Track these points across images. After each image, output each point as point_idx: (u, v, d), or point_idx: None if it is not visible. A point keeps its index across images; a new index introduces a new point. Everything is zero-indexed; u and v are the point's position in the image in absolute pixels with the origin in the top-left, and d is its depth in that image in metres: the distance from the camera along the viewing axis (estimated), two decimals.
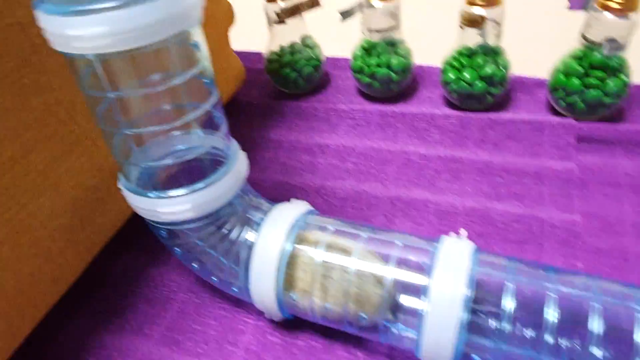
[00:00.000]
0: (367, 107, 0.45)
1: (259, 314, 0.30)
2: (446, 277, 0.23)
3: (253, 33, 0.55)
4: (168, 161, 0.24)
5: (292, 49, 0.46)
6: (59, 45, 0.19)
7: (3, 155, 0.24)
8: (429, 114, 0.43)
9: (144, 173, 0.25)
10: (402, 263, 0.24)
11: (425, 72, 0.49)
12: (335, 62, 0.53)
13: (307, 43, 0.47)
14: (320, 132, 0.43)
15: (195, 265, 0.28)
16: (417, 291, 0.23)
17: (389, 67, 0.44)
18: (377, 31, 0.42)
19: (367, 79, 0.45)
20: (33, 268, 0.26)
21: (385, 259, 0.25)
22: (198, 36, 0.22)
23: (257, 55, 0.56)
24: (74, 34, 0.18)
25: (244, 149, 0.28)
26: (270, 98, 0.49)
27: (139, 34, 0.19)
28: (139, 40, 0.19)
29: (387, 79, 0.44)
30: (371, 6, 0.41)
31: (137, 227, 0.36)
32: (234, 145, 0.27)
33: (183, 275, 0.33)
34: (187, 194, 0.24)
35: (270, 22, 0.46)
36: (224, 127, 0.26)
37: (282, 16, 0.43)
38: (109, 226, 0.32)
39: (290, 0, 0.43)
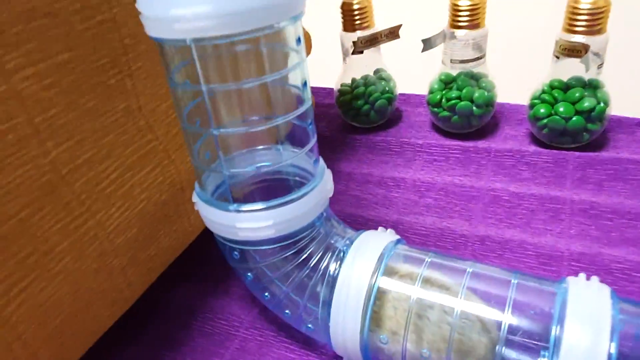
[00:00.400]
0: (445, 142, 0.42)
1: (336, 358, 0.26)
2: (583, 327, 0.18)
3: (324, 69, 0.54)
4: (252, 168, 0.22)
5: (366, 80, 0.45)
6: (157, 31, 0.18)
7: (80, 158, 0.22)
8: (516, 150, 0.39)
9: (224, 184, 0.23)
10: (517, 307, 0.20)
11: (506, 108, 0.46)
12: (408, 98, 0.51)
13: (381, 76, 0.45)
14: (395, 166, 0.40)
15: (267, 295, 0.25)
16: (539, 343, 0.19)
17: (471, 100, 0.41)
18: (460, 62, 0.40)
19: (445, 113, 0.42)
20: (93, 284, 0.24)
21: (494, 300, 0.21)
22: (300, 32, 0.20)
23: (328, 90, 0.55)
24: (175, 14, 0.16)
25: None
26: (339, 131, 0.47)
27: (241, 18, 0.17)
28: (240, 25, 0.17)
29: (468, 112, 0.41)
30: (454, 37, 0.39)
31: (198, 253, 0.34)
32: (321, 163, 0.25)
33: (246, 309, 0.30)
34: (269, 208, 0.21)
35: (345, 53, 0.44)
36: (314, 144, 0.24)
37: (360, 45, 0.42)
38: (172, 248, 0.30)
39: (368, 30, 0.42)
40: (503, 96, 0.44)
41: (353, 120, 0.46)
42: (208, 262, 0.33)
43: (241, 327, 0.29)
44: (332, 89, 0.55)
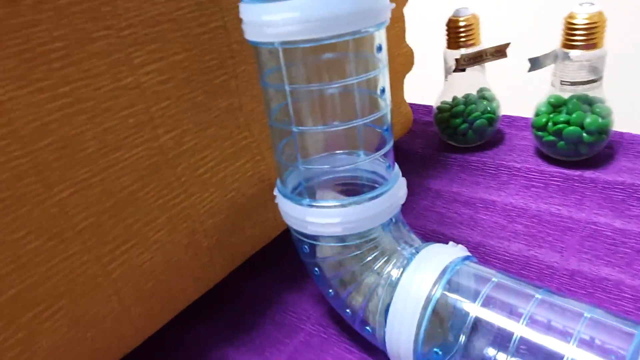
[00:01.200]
0: (546, 169, 0.39)
1: None
2: None
3: (426, 86, 0.54)
4: (326, 166, 0.23)
5: (467, 99, 0.44)
6: (251, 34, 0.20)
7: (185, 145, 0.26)
8: (629, 184, 0.35)
9: (301, 184, 0.24)
10: (587, 344, 0.18)
11: (625, 138, 0.41)
12: (512, 120, 0.48)
13: (484, 95, 0.44)
14: (487, 188, 0.39)
15: (331, 292, 0.26)
16: None
17: (581, 126, 0.38)
18: (572, 84, 0.37)
19: (551, 138, 0.39)
20: (183, 258, 0.27)
21: (559, 331, 0.19)
22: (382, 40, 0.21)
23: (427, 107, 0.55)
24: (266, 19, 0.19)
25: None
26: (434, 149, 0.46)
27: (326, 24, 0.19)
28: (325, 31, 0.19)
29: (577, 139, 0.38)
30: (567, 57, 0.37)
31: (280, 249, 0.36)
32: (396, 169, 0.25)
33: (315, 306, 0.31)
34: (338, 206, 0.22)
35: (447, 71, 0.44)
36: (390, 152, 0.24)
37: (463, 63, 0.41)
38: (256, 239, 0.32)
39: (473, 48, 0.42)
40: (622, 124, 0.40)
41: (450, 139, 0.46)
42: (287, 259, 0.35)
43: (308, 321, 0.30)
44: (431, 106, 0.55)
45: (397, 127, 0.45)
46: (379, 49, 0.21)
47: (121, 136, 0.23)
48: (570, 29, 0.36)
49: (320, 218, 0.22)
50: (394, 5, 0.21)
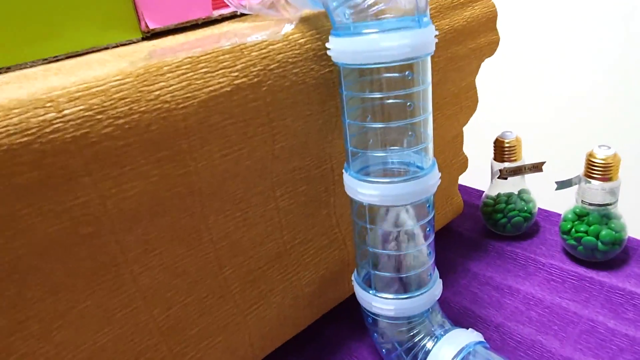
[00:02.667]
0: (566, 267, 0.49)
1: None
2: None
3: (480, 173, 0.65)
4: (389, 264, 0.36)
5: (508, 198, 0.55)
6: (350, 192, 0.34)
7: (297, 240, 0.40)
8: (629, 292, 0.44)
9: (370, 272, 0.37)
10: None
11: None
12: (548, 215, 0.58)
13: (523, 197, 0.55)
14: (515, 277, 0.49)
15: (384, 351, 0.38)
16: None
17: (597, 237, 0.48)
18: (590, 204, 0.47)
19: (572, 242, 0.49)
20: (288, 313, 0.41)
21: None
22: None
23: (479, 192, 0.66)
24: (360, 190, 0.32)
25: (445, 271, 0.38)
26: (479, 234, 0.57)
27: (394, 198, 0.32)
28: (393, 201, 0.32)
29: (593, 247, 0.48)
30: (588, 182, 0.47)
31: (352, 308, 0.49)
32: (436, 274, 0.37)
33: (371, 355, 0.43)
34: (392, 298, 0.35)
35: (493, 175, 0.55)
36: (433, 258, 0.37)
37: (504, 174, 0.53)
38: (335, 299, 0.45)
39: (515, 163, 0.53)
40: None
41: (492, 228, 0.57)
42: (354, 319, 0.48)
43: None
44: (483, 191, 0.66)
45: (449, 214, 0.56)
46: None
47: (263, 237, 0.37)
48: (590, 164, 0.46)
49: (380, 304, 0.35)
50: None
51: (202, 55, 0.29)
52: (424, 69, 0.31)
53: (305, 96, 0.34)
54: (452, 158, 0.53)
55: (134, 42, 0.37)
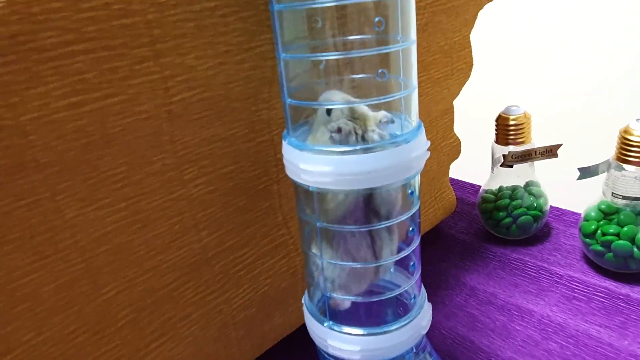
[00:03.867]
0: (591, 280, 0.38)
1: None
2: None
3: (476, 163, 0.54)
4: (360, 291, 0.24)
5: (513, 193, 0.43)
6: (291, 173, 0.22)
7: (225, 245, 0.28)
8: None
9: (325, 297, 0.25)
10: None
11: None
12: (561, 214, 0.47)
13: (531, 190, 0.43)
14: (525, 293, 0.38)
15: None
16: None
17: (632, 240, 0.36)
18: (624, 198, 0.36)
19: (598, 247, 0.38)
20: (211, 350, 0.29)
21: None
22: (415, 187, 0.22)
23: (475, 187, 0.54)
24: (303, 167, 0.20)
25: (433, 286, 0.26)
26: (475, 237, 0.46)
27: (357, 178, 0.20)
28: (354, 184, 0.20)
29: (627, 254, 0.36)
30: (621, 168, 0.36)
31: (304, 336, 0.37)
32: (423, 295, 0.25)
33: None
34: (360, 335, 0.23)
35: (494, 162, 0.44)
36: (418, 273, 0.25)
37: (510, 160, 0.41)
38: (284, 327, 0.33)
39: (523, 146, 0.41)
40: None
41: (493, 230, 0.45)
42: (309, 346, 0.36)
43: None
44: (479, 186, 0.54)
45: (440, 212, 0.45)
46: (411, 194, 0.22)
47: (167, 240, 0.25)
48: (625, 143, 0.35)
49: (340, 343, 0.23)
50: (428, 154, 0.22)
51: None
52: (407, 14, 0.19)
53: (219, 21, 0.22)
54: (441, 139, 0.41)
55: None
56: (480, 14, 0.37)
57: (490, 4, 0.37)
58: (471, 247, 0.44)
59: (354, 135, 0.20)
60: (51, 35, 0.17)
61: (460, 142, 0.43)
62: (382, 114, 0.21)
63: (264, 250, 0.30)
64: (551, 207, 0.48)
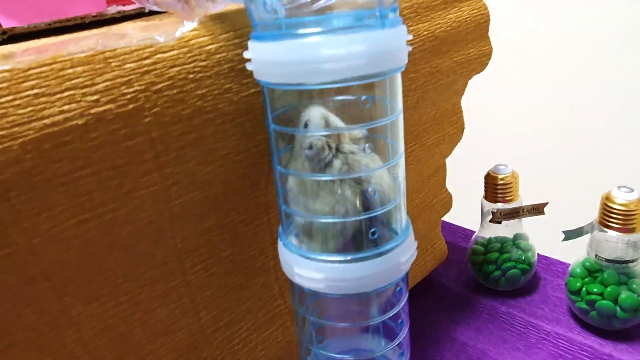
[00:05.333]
0: (576, 338, 0.39)
1: None
2: None
3: (468, 207, 0.55)
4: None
5: (502, 246, 0.45)
6: (286, 271, 0.23)
7: (222, 321, 0.29)
8: None
9: None
10: None
11: None
12: (549, 263, 0.48)
13: (519, 244, 0.44)
14: (513, 350, 0.39)
15: None
16: None
17: (615, 301, 0.38)
18: (607, 261, 0.38)
19: (583, 305, 0.39)
20: None
21: None
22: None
23: (465, 232, 0.55)
24: (297, 271, 0.21)
25: (426, 339, 0.27)
26: (465, 287, 0.47)
27: (348, 284, 0.21)
28: (346, 289, 0.21)
29: (610, 313, 0.38)
30: (604, 232, 0.37)
31: None
32: None
33: None
34: None
35: (484, 215, 0.45)
36: (406, 342, 0.26)
37: (499, 217, 0.42)
38: None
39: (510, 204, 0.43)
40: None
41: (483, 281, 0.46)
42: None
43: None
44: (470, 231, 0.56)
45: (430, 263, 0.46)
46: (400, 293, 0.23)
47: (167, 324, 0.26)
48: (607, 210, 0.36)
49: None
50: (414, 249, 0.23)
51: (32, 68, 0.18)
52: (392, 90, 0.20)
53: (218, 129, 0.23)
54: (432, 197, 0.43)
55: None
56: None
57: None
58: (462, 298, 0.46)
59: (327, 150, 0.20)
60: (61, 165, 0.19)
61: (451, 196, 0.45)
62: (359, 131, 0.21)
63: (260, 323, 0.31)
64: (539, 255, 0.49)
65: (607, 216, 0.36)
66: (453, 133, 0.39)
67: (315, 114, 0.20)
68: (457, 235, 0.55)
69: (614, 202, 0.36)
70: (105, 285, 0.23)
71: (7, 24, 0.26)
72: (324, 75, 0.18)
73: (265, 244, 0.29)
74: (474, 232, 0.56)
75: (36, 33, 0.27)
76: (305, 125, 0.21)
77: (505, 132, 0.84)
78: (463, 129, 0.40)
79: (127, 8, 0.30)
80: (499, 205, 0.43)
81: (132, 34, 0.22)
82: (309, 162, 0.21)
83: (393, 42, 0.19)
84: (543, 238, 0.48)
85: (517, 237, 0.45)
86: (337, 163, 0.20)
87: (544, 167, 0.80)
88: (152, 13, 0.31)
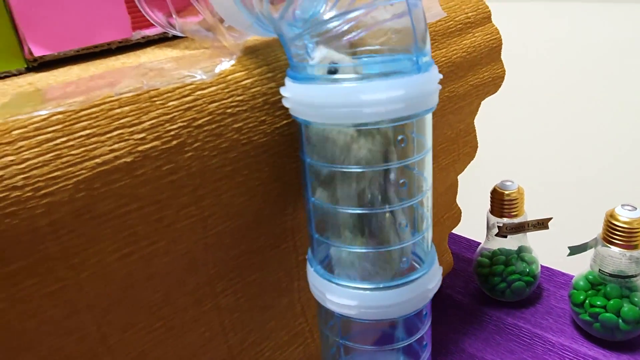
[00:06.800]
0: (581, 349, 0.41)
1: None
2: None
3: (472, 217, 0.56)
4: None
5: (507, 259, 0.46)
6: (317, 297, 0.24)
7: (248, 342, 0.29)
8: None
9: None
10: None
11: None
12: (552, 275, 0.50)
13: (524, 257, 0.46)
14: None
15: None
16: None
17: (618, 313, 0.39)
18: (610, 275, 0.39)
19: (587, 317, 0.41)
20: None
21: None
22: None
23: (470, 242, 0.57)
24: (330, 298, 0.22)
25: (435, 352, 0.28)
26: (472, 298, 0.48)
27: (380, 311, 0.22)
28: (378, 315, 0.22)
29: (613, 325, 0.39)
30: (607, 247, 0.39)
31: None
32: None
33: None
34: None
35: (489, 228, 0.46)
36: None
37: (505, 231, 0.44)
38: None
39: (516, 219, 0.44)
40: None
41: (489, 292, 0.48)
42: None
43: None
44: (475, 242, 0.57)
45: None
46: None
47: (197, 346, 0.27)
48: (610, 226, 0.38)
49: None
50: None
51: (84, 109, 0.19)
52: (423, 129, 0.21)
53: (252, 160, 0.23)
54: (444, 213, 0.44)
55: (15, 75, 0.26)
56: None
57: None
58: (469, 310, 0.47)
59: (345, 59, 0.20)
60: (109, 203, 0.19)
61: (461, 211, 0.46)
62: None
63: (282, 341, 0.32)
64: (542, 266, 0.50)
65: (611, 233, 0.38)
66: (467, 152, 0.40)
67: (337, 56, 0.20)
68: (460, 245, 0.56)
69: (617, 220, 0.37)
70: (141, 313, 0.23)
71: (38, 51, 0.26)
72: (362, 118, 0.19)
73: (290, 265, 0.30)
74: (477, 242, 0.57)
75: (65, 60, 0.28)
76: (332, 72, 0.20)
77: (510, 145, 0.85)
78: (477, 147, 0.41)
79: (151, 33, 0.31)
80: (505, 220, 0.44)
81: (168, 68, 0.23)
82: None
83: (428, 85, 0.20)
84: (546, 248, 0.50)
85: (521, 249, 0.46)
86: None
87: (549, 182, 0.81)
88: (175, 37, 0.32)
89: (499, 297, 0.47)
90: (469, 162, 0.41)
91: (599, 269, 0.40)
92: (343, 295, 0.22)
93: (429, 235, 0.24)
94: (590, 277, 0.41)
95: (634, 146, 0.74)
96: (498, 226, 0.44)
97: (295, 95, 0.20)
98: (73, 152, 0.18)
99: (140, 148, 0.19)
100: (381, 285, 0.22)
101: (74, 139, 0.18)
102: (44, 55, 0.27)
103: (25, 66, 0.27)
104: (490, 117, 0.46)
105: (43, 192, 0.17)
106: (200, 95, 0.21)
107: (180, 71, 0.22)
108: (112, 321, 0.22)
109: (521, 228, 0.44)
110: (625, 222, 0.37)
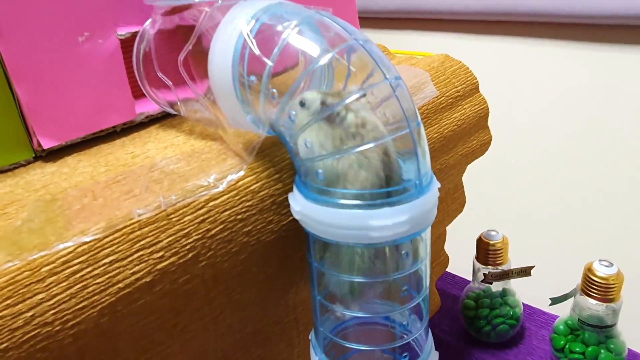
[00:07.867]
0: None
1: None
2: None
3: (464, 259, 0.58)
4: None
5: (492, 302, 0.48)
6: None
7: (252, 354, 0.30)
8: None
9: None
10: None
11: None
12: (533, 313, 0.52)
13: (508, 300, 0.48)
14: None
15: None
16: None
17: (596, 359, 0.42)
18: (589, 325, 0.42)
19: None
20: None
21: None
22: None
23: (455, 279, 0.59)
24: None
25: None
26: (458, 338, 0.50)
27: None
28: None
29: None
30: (585, 299, 0.41)
31: None
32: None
33: None
34: None
35: (475, 272, 0.49)
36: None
37: (490, 279, 0.46)
38: None
39: (500, 267, 0.46)
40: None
41: (474, 333, 0.50)
42: None
43: None
44: (463, 280, 0.59)
45: None
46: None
47: None
48: (588, 280, 0.40)
49: None
50: None
51: (106, 236, 0.19)
52: (424, 241, 0.23)
53: (260, 258, 0.25)
54: (433, 260, 0.46)
55: (23, 165, 0.27)
56: None
57: None
58: (455, 350, 0.49)
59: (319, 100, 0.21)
60: (130, 320, 0.20)
61: (448, 258, 0.48)
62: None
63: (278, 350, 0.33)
64: (523, 304, 0.53)
65: (589, 286, 0.40)
66: (456, 208, 0.42)
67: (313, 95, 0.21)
68: (446, 282, 0.59)
69: (594, 275, 0.40)
70: None
71: (47, 143, 0.27)
72: (370, 239, 0.20)
73: (291, 336, 0.31)
74: (463, 278, 0.59)
75: (72, 146, 0.28)
76: (302, 104, 0.21)
77: (495, 196, 0.89)
78: (464, 202, 0.43)
79: (154, 112, 0.31)
80: (490, 268, 0.46)
81: (180, 172, 0.24)
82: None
83: (429, 203, 0.21)
84: (527, 287, 0.52)
85: (505, 292, 0.49)
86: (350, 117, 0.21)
87: (531, 231, 0.85)
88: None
89: (484, 338, 0.49)
90: (457, 215, 0.43)
91: (578, 318, 0.42)
92: None
93: (426, 300, 0.25)
94: (569, 322, 0.44)
95: (613, 204, 0.77)
96: (484, 273, 0.46)
97: (304, 210, 0.22)
98: (98, 281, 0.19)
99: (158, 266, 0.21)
100: None
101: (99, 267, 0.19)
102: (51, 147, 0.27)
103: (33, 155, 0.27)
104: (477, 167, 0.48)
105: (71, 323, 0.18)
106: (213, 205, 0.22)
107: (193, 182, 0.23)
108: None
109: (505, 275, 0.46)
110: (601, 278, 0.39)
